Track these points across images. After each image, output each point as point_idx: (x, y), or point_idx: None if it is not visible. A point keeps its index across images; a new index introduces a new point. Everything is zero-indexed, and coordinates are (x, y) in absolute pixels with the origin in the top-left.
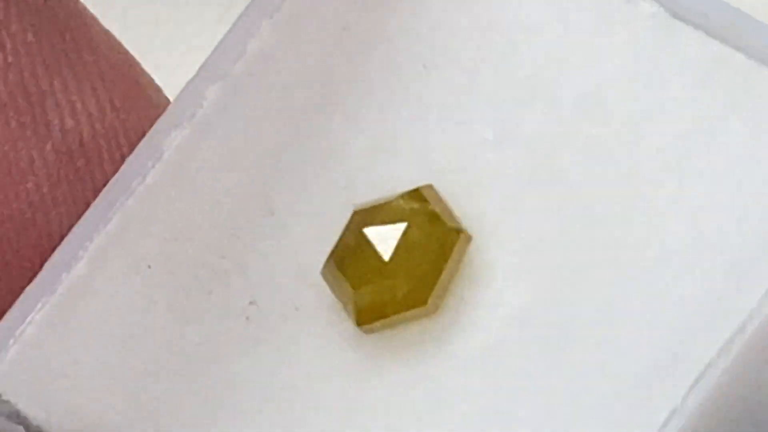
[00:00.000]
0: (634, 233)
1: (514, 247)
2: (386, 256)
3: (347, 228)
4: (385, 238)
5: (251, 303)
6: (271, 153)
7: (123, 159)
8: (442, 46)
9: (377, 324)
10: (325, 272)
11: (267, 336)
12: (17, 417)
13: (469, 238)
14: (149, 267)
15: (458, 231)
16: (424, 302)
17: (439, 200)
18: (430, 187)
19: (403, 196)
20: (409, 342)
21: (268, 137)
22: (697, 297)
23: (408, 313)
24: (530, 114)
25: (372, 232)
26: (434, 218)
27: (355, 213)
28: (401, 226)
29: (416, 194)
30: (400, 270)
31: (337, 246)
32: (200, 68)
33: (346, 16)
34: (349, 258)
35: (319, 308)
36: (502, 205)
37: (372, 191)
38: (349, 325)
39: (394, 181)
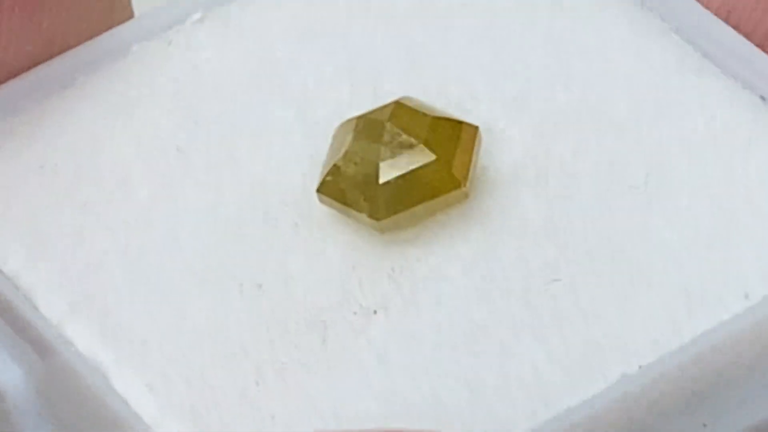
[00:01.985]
0: None
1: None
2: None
3: (356, 134)
4: (409, 131)
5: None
6: None
7: None
8: None
9: (401, 216)
10: (328, 184)
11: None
12: None
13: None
14: None
15: (475, 126)
16: (463, 184)
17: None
18: (408, 98)
19: (397, 100)
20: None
21: None
22: None
23: (444, 198)
24: None
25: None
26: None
27: (361, 117)
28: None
29: (407, 99)
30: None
31: (343, 153)
32: None
33: None
34: (360, 155)
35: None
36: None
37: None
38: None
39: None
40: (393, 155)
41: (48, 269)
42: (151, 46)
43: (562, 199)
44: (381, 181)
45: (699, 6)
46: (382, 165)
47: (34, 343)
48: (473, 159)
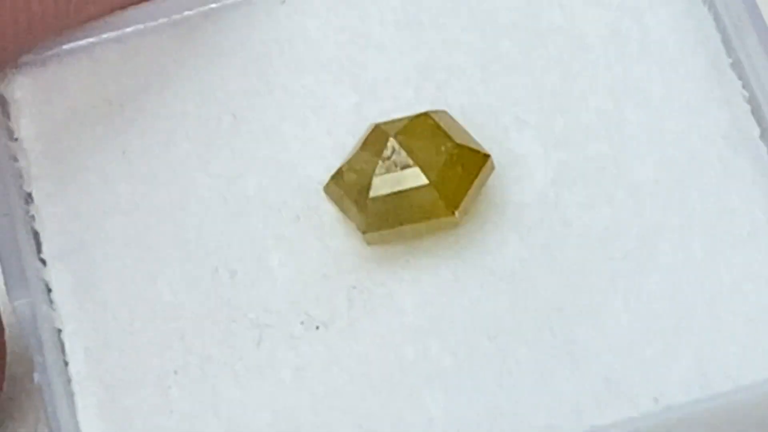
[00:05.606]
0: None
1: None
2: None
3: (364, 141)
4: (411, 149)
5: None
6: None
7: None
8: None
9: (387, 232)
10: (332, 186)
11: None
12: None
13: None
14: None
15: (486, 155)
16: (452, 213)
17: (455, 122)
18: (444, 112)
19: (425, 114)
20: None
21: None
22: None
23: (432, 222)
24: None
25: (398, 142)
26: (457, 138)
27: (376, 126)
28: (432, 140)
29: (432, 114)
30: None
31: (350, 158)
32: None
33: None
34: (361, 165)
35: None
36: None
37: None
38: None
39: None
40: (388, 171)
41: (62, 206)
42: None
43: (543, 255)
44: (371, 195)
45: None
46: (375, 179)
47: None
48: (473, 188)
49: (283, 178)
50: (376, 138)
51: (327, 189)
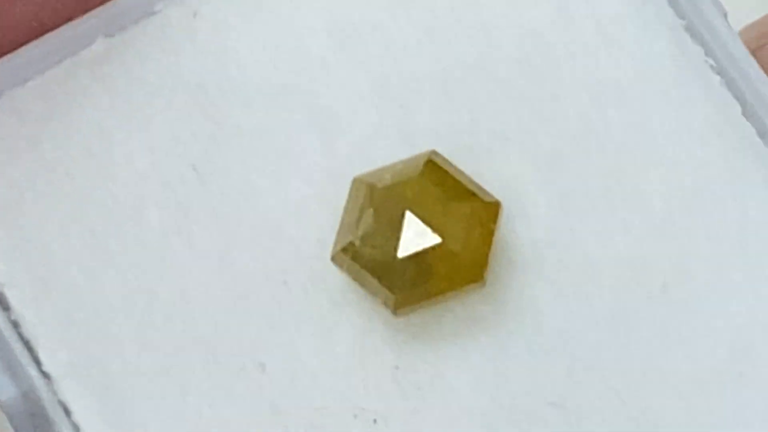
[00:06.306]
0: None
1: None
2: (433, 237)
3: (368, 208)
4: (429, 219)
5: None
6: None
7: None
8: None
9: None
10: (343, 257)
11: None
12: None
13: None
14: None
15: (497, 203)
16: (480, 277)
17: (451, 165)
18: (435, 153)
19: (419, 170)
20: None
21: None
22: None
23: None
24: None
25: (414, 213)
26: (465, 191)
27: (373, 190)
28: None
29: (431, 165)
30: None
31: (360, 230)
32: None
33: None
34: (379, 240)
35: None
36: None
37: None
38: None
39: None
40: (412, 247)
41: (53, 313)
42: (176, 14)
43: (580, 301)
44: (398, 272)
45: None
46: (400, 257)
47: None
48: (493, 244)
49: (276, 244)
50: (388, 207)
51: (337, 259)
